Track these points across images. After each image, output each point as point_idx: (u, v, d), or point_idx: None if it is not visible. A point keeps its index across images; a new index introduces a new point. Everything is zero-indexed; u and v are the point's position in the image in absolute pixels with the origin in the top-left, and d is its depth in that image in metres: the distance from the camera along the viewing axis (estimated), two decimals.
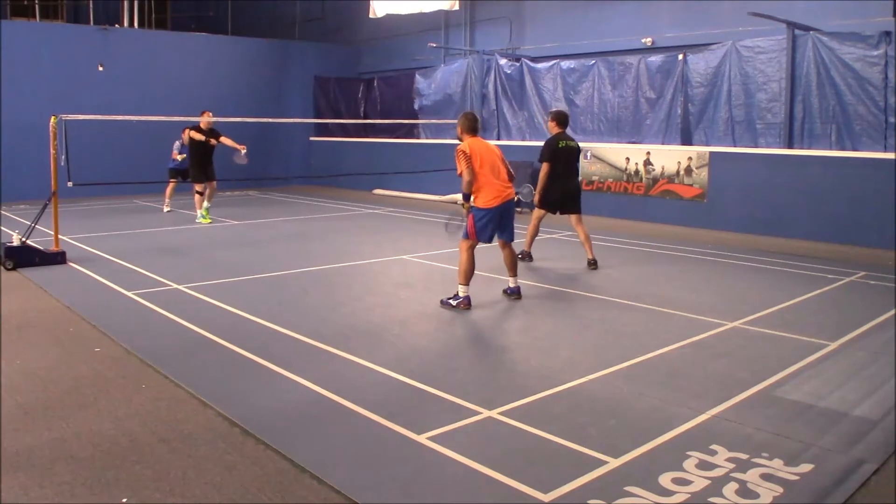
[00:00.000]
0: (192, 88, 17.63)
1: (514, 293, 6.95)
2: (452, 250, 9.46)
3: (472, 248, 6.64)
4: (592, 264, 8.47)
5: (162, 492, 3.28)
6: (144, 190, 14.69)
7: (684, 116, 12.82)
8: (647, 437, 3.83)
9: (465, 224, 6.66)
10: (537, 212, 8.75)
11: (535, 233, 8.91)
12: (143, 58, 17.11)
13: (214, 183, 12.18)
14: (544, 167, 8.43)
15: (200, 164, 11.91)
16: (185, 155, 13.22)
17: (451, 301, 6.61)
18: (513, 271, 6.96)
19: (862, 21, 10.93)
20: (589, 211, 13.63)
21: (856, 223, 10.47)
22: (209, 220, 12.10)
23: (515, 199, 6.83)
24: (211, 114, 12.08)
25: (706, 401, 4.37)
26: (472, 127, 6.74)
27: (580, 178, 8.67)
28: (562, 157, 8.43)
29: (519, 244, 7.61)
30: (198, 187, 12.06)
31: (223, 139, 11.95)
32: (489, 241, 6.73)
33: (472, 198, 6.61)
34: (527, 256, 8.79)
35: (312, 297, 7.15)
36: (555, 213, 8.74)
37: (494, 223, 6.64)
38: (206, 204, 12.21)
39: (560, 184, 8.49)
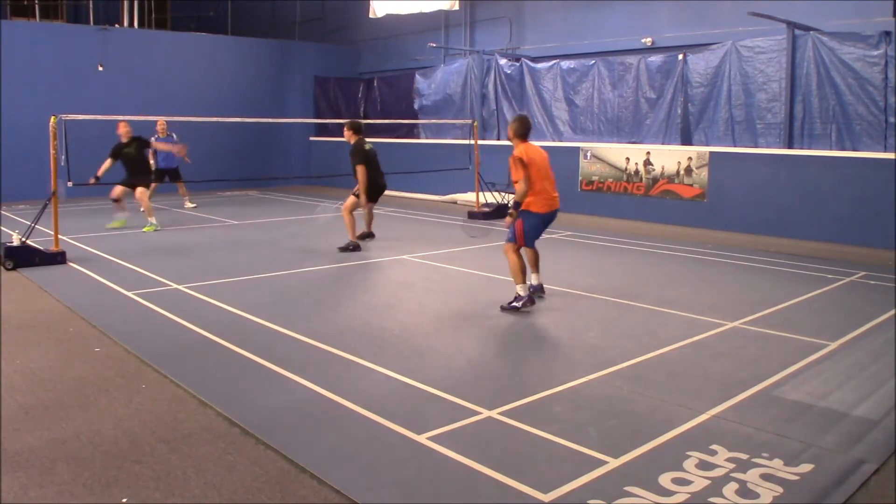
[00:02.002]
0: (192, 88, 17.64)
1: (538, 290, 6.95)
2: (452, 250, 9.47)
3: (517, 250, 6.60)
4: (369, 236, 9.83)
5: (162, 492, 3.28)
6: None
7: (684, 116, 12.82)
8: (647, 437, 3.83)
9: (511, 228, 6.59)
10: (350, 202, 9.57)
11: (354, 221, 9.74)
12: (143, 58, 17.11)
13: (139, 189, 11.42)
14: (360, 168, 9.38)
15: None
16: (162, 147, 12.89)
17: (514, 304, 6.44)
18: (536, 268, 7.01)
19: (862, 21, 10.93)
20: (589, 211, 13.75)
21: (856, 223, 10.46)
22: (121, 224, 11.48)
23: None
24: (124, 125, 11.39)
25: (706, 401, 4.37)
26: (525, 132, 6.60)
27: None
28: (370, 158, 9.49)
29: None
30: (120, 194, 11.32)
31: (154, 144, 11.77)
32: (532, 244, 6.77)
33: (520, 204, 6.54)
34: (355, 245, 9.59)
35: (312, 297, 7.15)
36: (374, 202, 9.86)
37: (541, 229, 6.68)
38: (124, 215, 11.59)
39: (374, 180, 9.57)
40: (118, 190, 11.28)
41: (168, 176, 13.68)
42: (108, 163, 11.00)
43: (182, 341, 5.57)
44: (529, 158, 6.45)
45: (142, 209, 11.47)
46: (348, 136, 9.61)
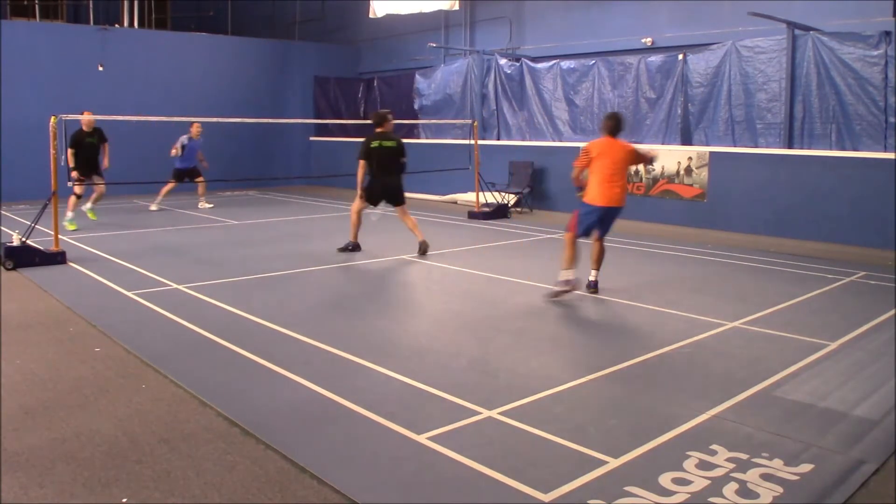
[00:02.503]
0: (192, 88, 17.64)
1: (593, 287, 7.18)
2: (452, 250, 9.46)
3: (572, 240, 6.92)
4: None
5: (162, 492, 3.28)
6: (144, 190, 14.67)
7: (684, 116, 12.82)
8: (647, 437, 3.83)
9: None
10: (359, 203, 9.25)
11: (359, 223, 9.39)
12: (143, 58, 17.10)
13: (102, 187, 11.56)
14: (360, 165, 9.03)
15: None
16: (180, 153, 13.36)
17: (556, 289, 6.82)
18: (597, 265, 7.22)
19: (862, 21, 10.93)
20: None
21: (856, 223, 10.46)
22: (75, 227, 11.10)
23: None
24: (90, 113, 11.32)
25: (706, 401, 4.37)
26: (604, 126, 7.08)
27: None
28: (374, 156, 8.98)
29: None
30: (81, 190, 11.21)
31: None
32: (586, 235, 7.04)
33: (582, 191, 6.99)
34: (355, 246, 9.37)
35: (312, 297, 7.15)
36: (375, 205, 9.42)
37: (594, 221, 6.93)
38: (88, 205, 11.69)
39: (377, 180, 9.12)
40: (81, 188, 10.99)
41: (187, 176, 13.82)
42: (71, 153, 10.59)
43: (182, 341, 5.57)
44: (590, 148, 6.93)
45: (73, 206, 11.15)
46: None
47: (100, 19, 18.01)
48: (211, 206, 14.19)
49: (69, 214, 10.94)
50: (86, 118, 10.91)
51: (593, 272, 7.19)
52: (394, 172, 9.18)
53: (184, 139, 13.46)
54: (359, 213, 9.30)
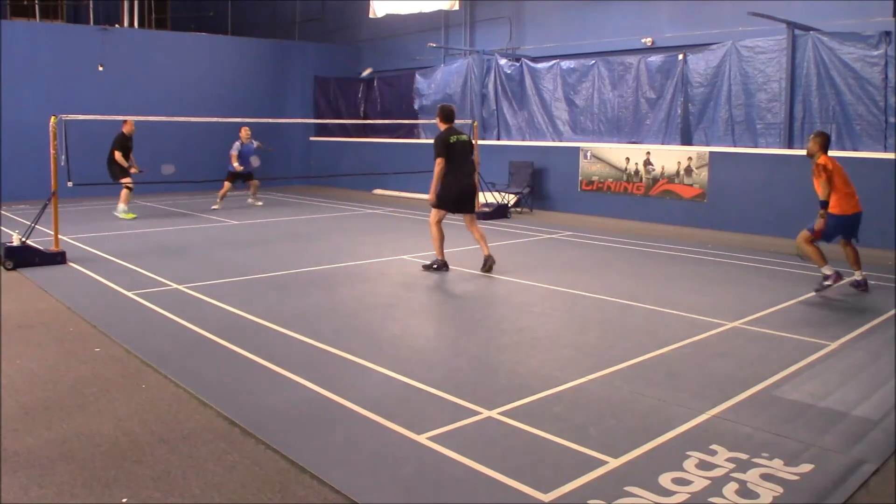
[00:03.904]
0: (192, 88, 17.64)
1: (861, 286, 7.48)
2: (452, 250, 9.46)
3: (810, 240, 7.41)
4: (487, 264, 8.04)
5: (162, 492, 3.28)
6: (144, 190, 14.68)
7: (684, 116, 12.82)
8: (647, 437, 3.83)
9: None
10: (435, 213, 8.18)
11: (441, 236, 8.20)
12: (143, 58, 17.10)
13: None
14: (438, 163, 7.90)
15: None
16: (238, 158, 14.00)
17: (825, 283, 7.21)
18: (857, 265, 7.50)
19: (862, 21, 10.93)
20: (589, 211, 13.76)
21: None
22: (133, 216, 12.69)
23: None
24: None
25: (706, 401, 4.37)
26: (820, 145, 7.40)
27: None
28: (453, 154, 7.93)
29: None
30: (126, 181, 12.42)
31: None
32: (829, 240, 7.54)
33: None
34: (442, 265, 8.22)
35: (312, 297, 7.15)
36: (453, 212, 8.20)
37: (839, 229, 7.40)
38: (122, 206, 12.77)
39: (454, 181, 7.98)
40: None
41: (241, 179, 14.37)
42: (119, 155, 12.17)
43: (182, 341, 5.57)
44: (834, 167, 7.28)
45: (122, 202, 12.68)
46: (438, 124, 8.22)
47: (100, 19, 18.01)
48: (260, 203, 14.83)
49: (123, 207, 12.53)
50: (131, 126, 12.34)
51: (857, 273, 7.53)
52: (470, 173, 8.17)
53: (237, 146, 14.01)
54: (438, 225, 8.14)
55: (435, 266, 8.24)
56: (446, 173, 7.95)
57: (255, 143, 14.27)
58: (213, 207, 14.05)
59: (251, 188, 14.90)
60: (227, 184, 14.17)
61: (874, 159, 10.42)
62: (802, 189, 11.04)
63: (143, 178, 12.89)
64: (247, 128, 14.19)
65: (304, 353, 5.27)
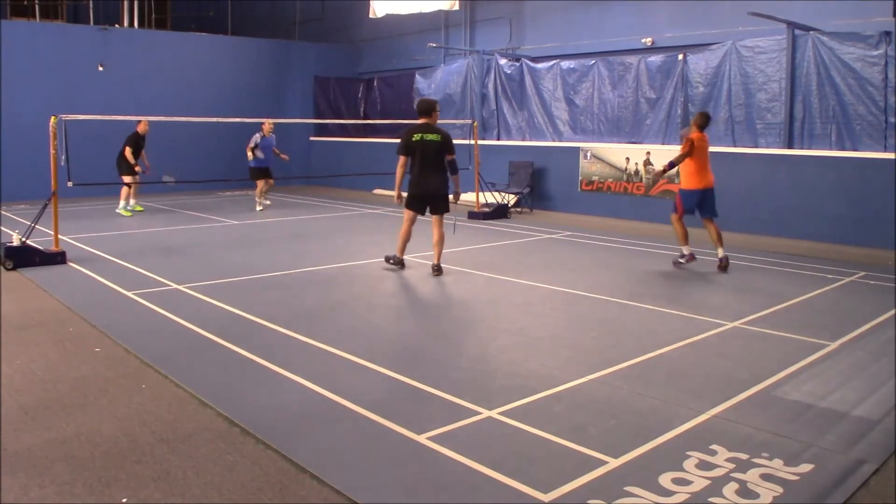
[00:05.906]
0: (192, 88, 17.64)
1: (721, 262, 8.42)
2: (452, 250, 9.46)
3: (678, 219, 8.57)
4: (436, 270, 7.99)
5: (162, 492, 3.28)
6: (144, 190, 14.68)
7: (684, 116, 12.81)
8: (647, 437, 3.83)
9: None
10: (406, 212, 8.11)
11: (407, 237, 8.17)
12: (143, 58, 17.11)
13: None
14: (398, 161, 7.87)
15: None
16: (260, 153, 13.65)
17: (680, 260, 8.51)
18: (719, 243, 8.46)
19: (862, 21, 10.93)
20: (589, 211, 13.75)
21: (856, 223, 10.46)
22: (130, 214, 13.09)
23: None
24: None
25: (706, 401, 4.37)
26: (701, 123, 8.56)
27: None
28: (416, 151, 7.78)
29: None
30: (128, 179, 12.69)
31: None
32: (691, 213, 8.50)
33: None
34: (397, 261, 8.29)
35: (312, 297, 7.15)
36: (421, 213, 8.08)
37: (693, 202, 8.42)
38: (132, 202, 13.32)
39: (417, 182, 7.86)
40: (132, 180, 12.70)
41: (264, 175, 14.03)
42: (129, 151, 12.49)
43: (182, 341, 5.57)
44: (699, 144, 8.24)
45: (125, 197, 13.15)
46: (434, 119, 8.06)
47: (100, 19, 18.01)
48: (269, 203, 14.63)
49: (124, 203, 12.97)
50: (146, 126, 12.71)
51: (719, 249, 8.47)
52: (437, 172, 7.87)
53: (256, 137, 13.57)
54: (408, 224, 8.08)
55: (391, 261, 8.39)
56: (409, 173, 7.88)
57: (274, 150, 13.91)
58: (259, 209, 13.93)
59: (266, 186, 14.47)
60: (259, 183, 13.83)
61: (874, 159, 10.42)
62: (802, 189, 11.08)
63: (143, 178, 12.91)
64: (270, 122, 13.76)
65: (304, 353, 5.27)
